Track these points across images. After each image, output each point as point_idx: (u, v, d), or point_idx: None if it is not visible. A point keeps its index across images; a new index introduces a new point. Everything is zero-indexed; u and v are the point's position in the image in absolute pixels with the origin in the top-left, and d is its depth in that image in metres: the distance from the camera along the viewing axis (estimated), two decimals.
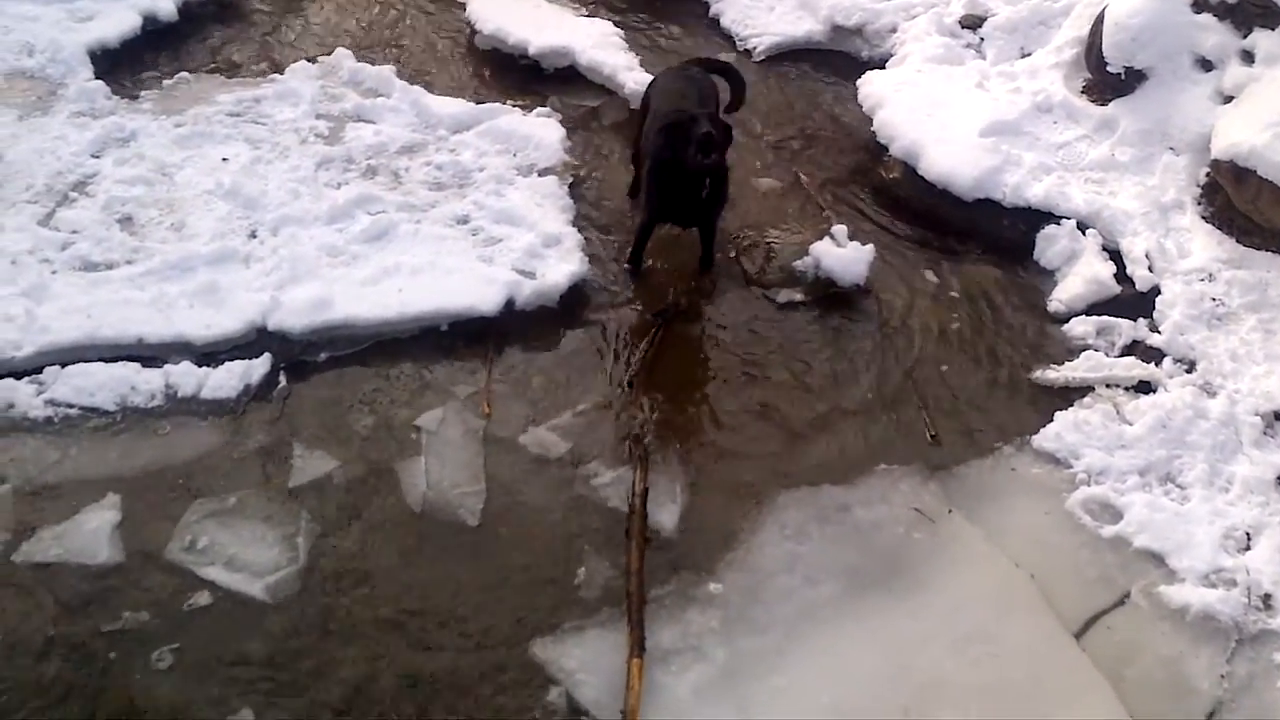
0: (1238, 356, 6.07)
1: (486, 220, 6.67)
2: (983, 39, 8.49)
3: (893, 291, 6.64)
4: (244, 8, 8.88)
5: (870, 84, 8.06)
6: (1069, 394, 5.98)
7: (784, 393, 5.93)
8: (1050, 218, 6.96)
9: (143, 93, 7.66)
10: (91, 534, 4.88)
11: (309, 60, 8.08)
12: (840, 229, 6.78)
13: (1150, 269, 6.61)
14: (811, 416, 5.80)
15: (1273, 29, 7.20)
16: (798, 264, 6.67)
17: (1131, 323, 6.33)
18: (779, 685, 4.54)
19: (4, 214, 6.35)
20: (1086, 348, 6.23)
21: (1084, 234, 6.83)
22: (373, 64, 8.08)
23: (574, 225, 6.74)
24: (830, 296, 6.53)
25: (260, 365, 5.68)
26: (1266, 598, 4.98)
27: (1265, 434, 5.70)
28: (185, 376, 5.59)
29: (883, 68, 8.46)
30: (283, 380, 5.69)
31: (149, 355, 5.70)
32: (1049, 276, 6.78)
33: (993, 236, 7.05)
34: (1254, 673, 4.72)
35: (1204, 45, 7.40)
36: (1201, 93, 7.34)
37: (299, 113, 7.46)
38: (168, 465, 5.22)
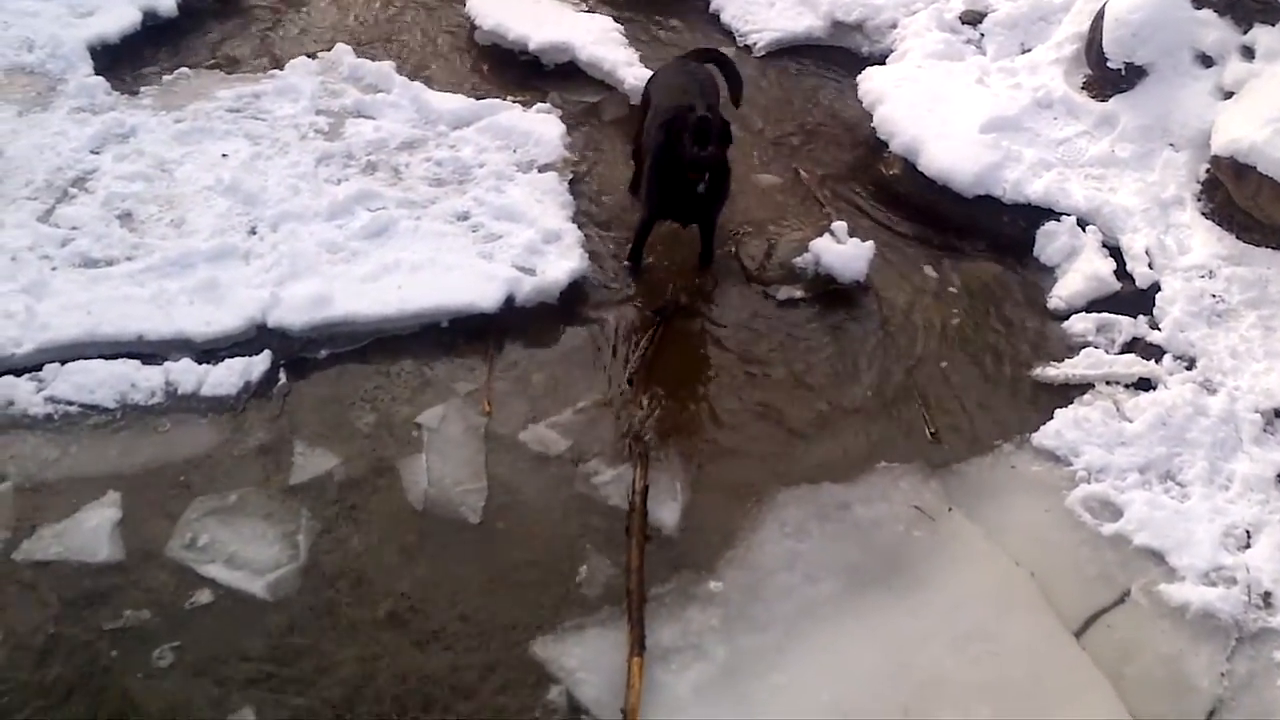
0: (1238, 353, 6.06)
1: (486, 216, 6.66)
2: (983, 35, 8.49)
3: (893, 288, 6.64)
4: (244, 3, 8.87)
5: (870, 80, 8.06)
6: (1069, 391, 5.98)
7: (784, 390, 5.93)
8: (1050, 214, 6.95)
9: (143, 88, 7.65)
10: (92, 532, 4.88)
11: (309, 56, 8.06)
12: (840, 225, 6.78)
13: (1150, 266, 6.61)
14: (811, 414, 5.80)
15: (1273, 25, 7.18)
16: (797, 261, 6.67)
17: (1131, 320, 6.33)
18: (779, 683, 4.54)
19: (4, 210, 6.34)
20: (1086, 345, 6.23)
21: (1084, 230, 6.83)
22: (373, 59, 8.06)
23: (574, 221, 6.73)
24: (830, 293, 6.52)
25: (260, 362, 5.68)
26: (1266, 596, 4.98)
27: (1265, 431, 5.69)
28: (185, 374, 5.58)
29: (883, 63, 8.46)
30: (283, 377, 5.68)
31: (149, 352, 5.69)
32: (1049, 273, 6.78)
33: (993, 233, 7.05)
34: (1254, 671, 4.72)
35: (1204, 41, 7.39)
36: (1202, 88, 7.33)
37: (299, 108, 7.45)
38: (168, 463, 5.22)
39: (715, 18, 9.24)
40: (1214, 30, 7.38)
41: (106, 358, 5.62)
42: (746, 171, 7.34)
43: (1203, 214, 6.87)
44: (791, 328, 6.32)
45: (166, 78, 7.79)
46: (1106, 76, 7.61)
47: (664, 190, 6.17)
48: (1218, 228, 6.76)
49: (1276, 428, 5.73)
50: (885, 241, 6.93)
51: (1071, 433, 5.65)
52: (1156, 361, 6.08)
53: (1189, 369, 6.02)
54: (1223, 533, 5.20)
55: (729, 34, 9.07)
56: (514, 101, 7.80)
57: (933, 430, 5.73)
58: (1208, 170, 6.98)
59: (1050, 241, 6.85)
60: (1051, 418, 5.76)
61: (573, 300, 6.29)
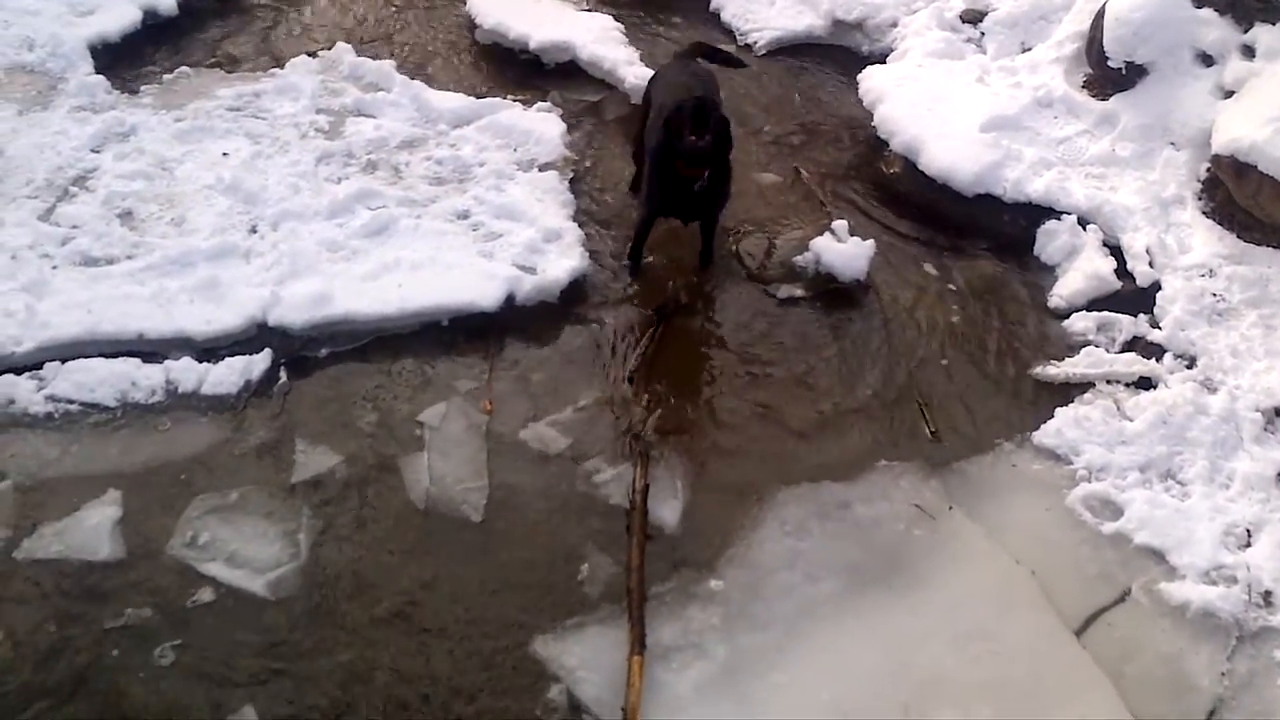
0: (1238, 352, 6.06)
1: (487, 215, 6.66)
2: (983, 33, 8.49)
3: (893, 287, 6.64)
4: (244, 2, 8.87)
5: (871, 79, 8.06)
6: (1069, 390, 5.98)
7: (784, 389, 5.93)
8: (1051, 213, 6.95)
9: (143, 87, 7.64)
10: (93, 530, 4.88)
11: (309, 55, 8.06)
12: (841, 224, 6.78)
13: (1151, 264, 6.61)
14: (812, 413, 5.80)
15: (1273, 24, 7.18)
16: (798, 259, 6.67)
17: (1132, 318, 6.33)
18: (780, 682, 4.54)
19: (4, 209, 6.34)
20: (1087, 343, 6.23)
21: (1084, 229, 6.83)
22: (373, 58, 8.06)
23: (574, 220, 6.73)
24: (830, 292, 6.52)
25: (261, 361, 5.67)
26: (1267, 595, 4.98)
27: (1266, 430, 5.69)
28: (186, 372, 5.58)
29: (883, 62, 8.47)
30: (283, 376, 5.68)
31: (149, 351, 5.69)
32: (1049, 272, 6.78)
33: (993, 232, 7.05)
34: (1255, 670, 4.72)
35: (1205, 40, 7.39)
36: (1202, 88, 7.33)
37: (299, 107, 7.44)
38: (168, 461, 5.22)
39: (716, 16, 9.24)
40: (1214, 29, 7.38)
41: (107, 356, 5.62)
42: (747, 170, 7.33)
43: (1203, 213, 6.87)
44: (792, 326, 6.32)
45: (167, 76, 7.79)
46: (1107, 75, 7.61)
47: (664, 186, 6.16)
48: (1218, 227, 6.76)
49: (1277, 426, 5.73)
50: (886, 240, 6.93)
51: (1072, 431, 5.65)
52: (1157, 360, 6.08)
53: (1189, 368, 6.03)
54: (1223, 531, 5.20)
55: (729, 33, 9.07)
56: (514, 100, 7.80)
57: (933, 429, 5.73)
58: (1208, 169, 6.98)
59: (1051, 240, 6.85)
60: (1052, 416, 5.75)
61: (573, 299, 6.29)
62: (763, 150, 7.76)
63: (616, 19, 8.78)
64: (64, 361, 5.56)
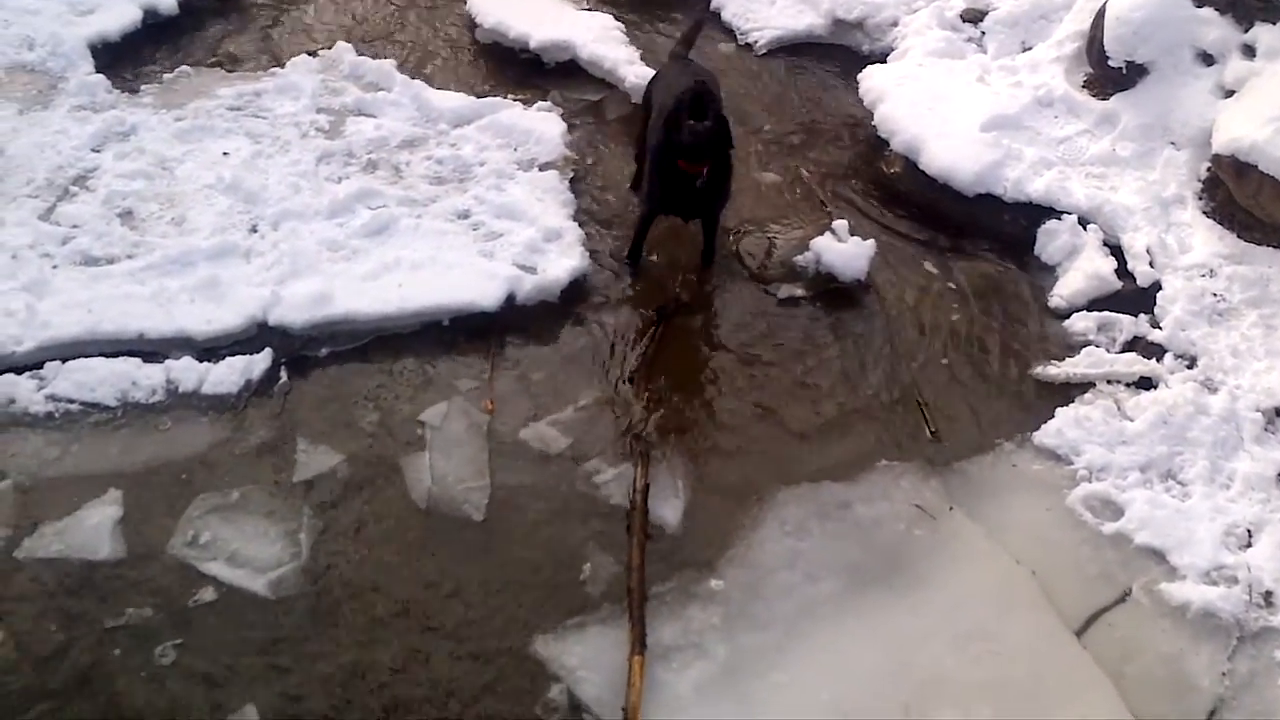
0: (1239, 352, 6.06)
1: (487, 215, 6.66)
2: (984, 33, 8.48)
3: (894, 287, 6.64)
4: (244, 1, 8.84)
5: (871, 78, 8.05)
6: (1070, 390, 5.98)
7: (784, 389, 5.93)
8: (1051, 213, 6.95)
9: (143, 86, 7.64)
10: (93, 529, 4.88)
11: (309, 54, 8.04)
12: (841, 224, 6.78)
13: (1151, 264, 6.61)
14: (812, 413, 5.80)
15: (1274, 23, 7.17)
16: (798, 259, 6.67)
17: (1133, 318, 6.33)
18: (780, 682, 4.54)
19: (4, 208, 6.33)
20: (1087, 343, 6.22)
21: (1085, 229, 6.82)
22: (373, 58, 8.05)
23: (575, 220, 6.73)
24: (831, 292, 6.52)
25: (261, 360, 5.67)
26: (1268, 595, 4.98)
27: (1266, 430, 5.69)
28: (186, 372, 5.58)
29: (884, 62, 8.45)
30: (284, 375, 5.68)
31: (150, 350, 5.69)
32: (1050, 272, 6.78)
33: (994, 231, 7.05)
34: (1255, 670, 4.72)
35: (1205, 39, 7.39)
36: (1203, 87, 7.32)
37: (299, 107, 7.44)
38: (169, 461, 5.22)
39: (716, 15, 9.21)
40: (1215, 29, 7.38)
41: (107, 356, 5.61)
42: (747, 170, 7.35)
43: (1204, 213, 6.87)
44: (792, 326, 6.32)
45: (167, 76, 7.78)
46: (1107, 75, 7.61)
47: (665, 183, 6.14)
48: (1219, 226, 6.76)
49: (1277, 426, 5.73)
50: (886, 240, 6.93)
51: (1072, 431, 5.65)
52: (1157, 360, 6.08)
53: (1190, 368, 6.02)
54: (1224, 532, 5.20)
55: (730, 32, 9.06)
56: (515, 100, 7.79)
57: (933, 429, 5.73)
58: (1209, 169, 6.98)
59: (1051, 240, 6.84)
60: (1052, 416, 5.75)
61: (574, 298, 6.29)
62: (763, 150, 7.75)
63: (617, 18, 8.76)
64: (64, 361, 5.56)
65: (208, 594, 4.67)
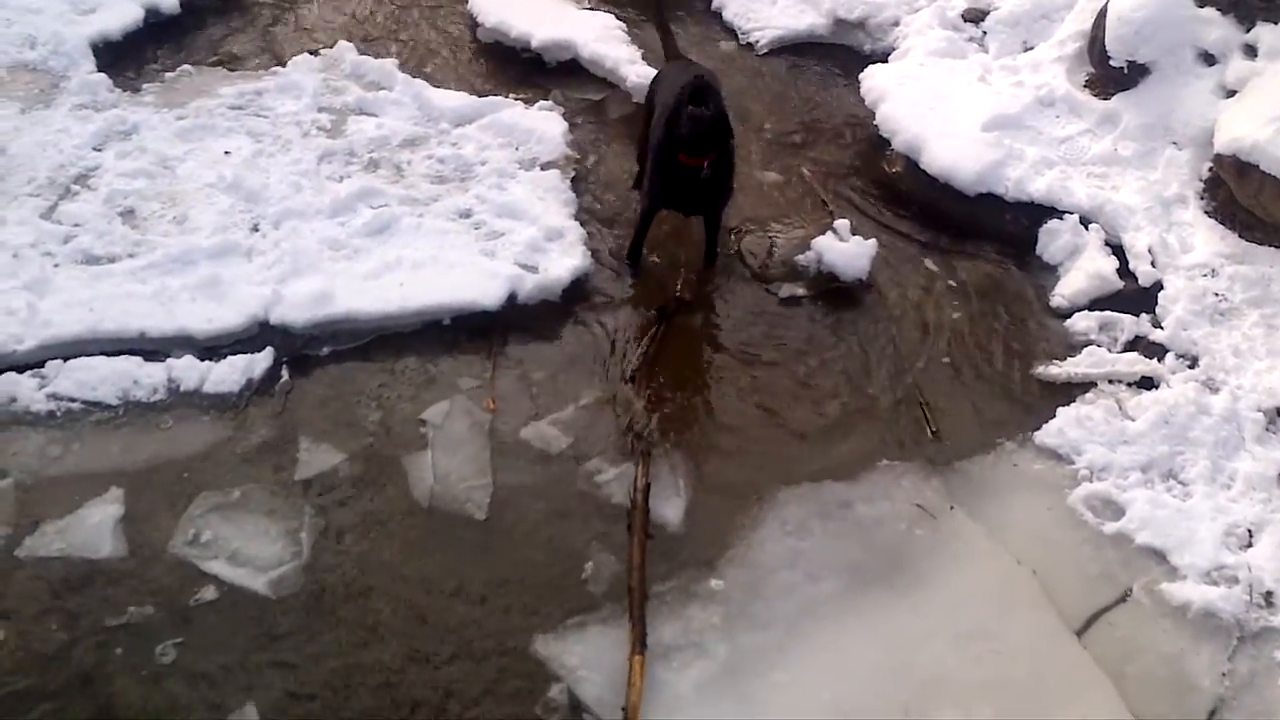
0: (1240, 352, 6.06)
1: (488, 214, 6.66)
2: (985, 32, 8.47)
3: (895, 286, 6.64)
4: (246, 0, 8.84)
5: (872, 78, 8.04)
6: (1071, 390, 5.97)
7: (785, 388, 5.93)
8: (1053, 212, 6.94)
9: (145, 85, 7.63)
10: (94, 528, 4.88)
11: (311, 53, 8.04)
12: (842, 223, 6.78)
13: (1153, 264, 6.60)
14: (813, 412, 5.80)
15: (1276, 23, 7.17)
16: (800, 258, 6.67)
17: (1134, 318, 6.32)
18: (780, 681, 4.54)
19: (6, 207, 6.33)
20: (1089, 343, 6.22)
21: (1086, 229, 6.82)
22: (375, 57, 8.05)
23: (576, 219, 6.73)
24: (832, 291, 6.52)
25: (262, 359, 5.67)
26: (1268, 595, 4.98)
27: (1267, 430, 5.69)
28: (187, 370, 5.58)
29: (885, 61, 8.44)
30: (285, 374, 5.68)
31: (151, 349, 5.69)
32: (1051, 271, 6.77)
33: (995, 231, 7.04)
34: (1256, 670, 4.72)
35: (1207, 39, 7.38)
36: (1204, 87, 7.32)
37: (301, 106, 7.43)
38: (170, 459, 5.22)
39: (717, 15, 9.22)
40: (1217, 28, 7.37)
41: (108, 354, 5.61)
42: (748, 169, 7.34)
43: (1205, 212, 6.87)
44: (793, 326, 6.32)
45: (169, 75, 7.78)
46: (1109, 75, 7.61)
47: (666, 177, 6.13)
48: (1220, 226, 6.76)
49: (1278, 427, 5.72)
50: (887, 239, 6.92)
51: (1073, 431, 5.65)
52: (1159, 360, 6.08)
53: (1191, 368, 6.02)
54: (1225, 532, 5.20)
55: (731, 31, 9.05)
56: (516, 99, 7.78)
57: (934, 428, 5.73)
58: (1210, 169, 6.98)
59: (1052, 240, 6.84)
60: (1054, 416, 5.75)
61: (575, 298, 6.29)
62: (764, 149, 7.75)
63: (618, 18, 8.76)
64: (66, 360, 5.56)
65: (209, 593, 4.67)
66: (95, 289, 5.86)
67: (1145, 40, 7.41)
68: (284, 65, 7.92)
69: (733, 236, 6.83)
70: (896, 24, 8.79)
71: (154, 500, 5.02)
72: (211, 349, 5.74)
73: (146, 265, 6.04)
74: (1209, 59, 7.37)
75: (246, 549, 4.86)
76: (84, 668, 4.38)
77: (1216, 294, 6.37)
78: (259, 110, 7.40)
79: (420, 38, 8.67)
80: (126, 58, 8.00)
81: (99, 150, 6.86)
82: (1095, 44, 7.73)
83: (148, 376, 5.53)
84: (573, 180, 7.09)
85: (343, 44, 8.12)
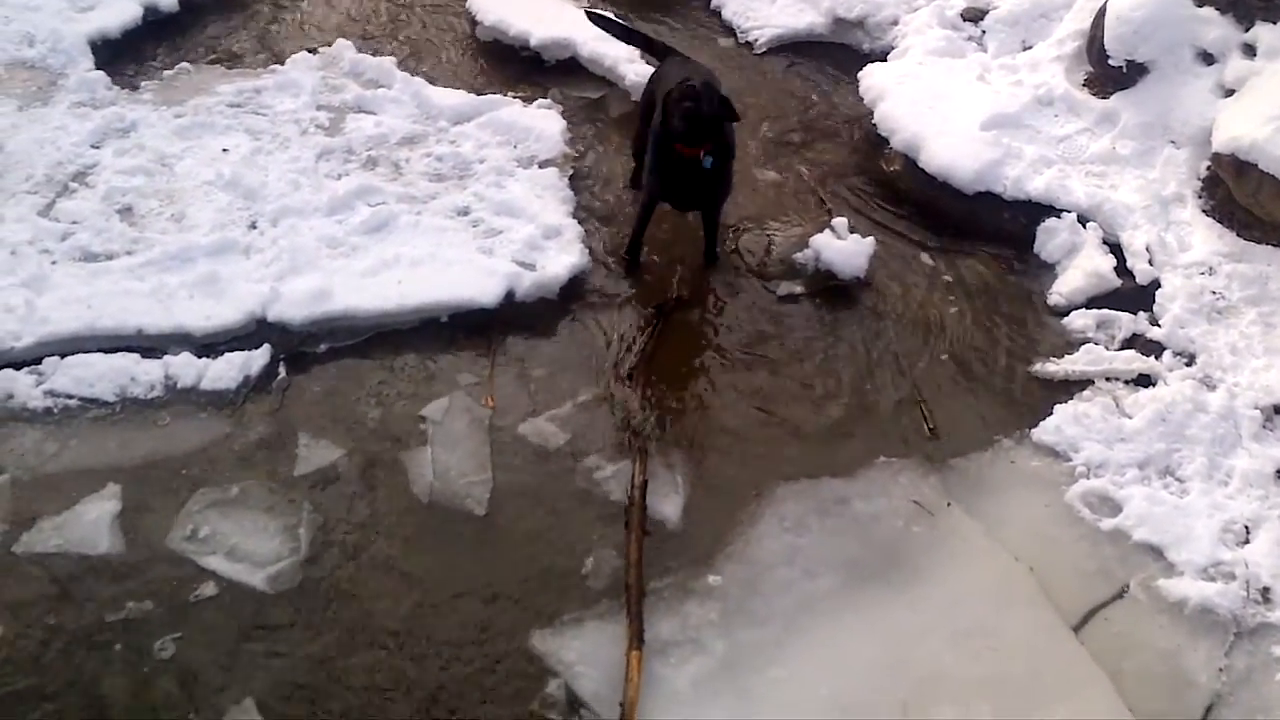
0: (1237, 350, 6.06)
1: (487, 212, 6.67)
2: (984, 31, 8.48)
3: (893, 284, 6.64)
4: None
5: (871, 76, 8.05)
6: (1069, 387, 5.97)
7: (783, 385, 5.93)
8: (1051, 211, 6.95)
9: (143, 83, 7.65)
10: (92, 524, 4.88)
11: (310, 51, 8.05)
12: (840, 221, 6.79)
13: (1151, 262, 6.60)
14: (811, 409, 5.80)
15: (1275, 22, 7.18)
16: (798, 256, 6.67)
17: (1131, 316, 6.33)
18: (778, 677, 4.54)
19: (4, 204, 6.34)
20: (1086, 341, 6.23)
21: (1084, 227, 6.82)
22: (374, 55, 8.07)
23: (574, 217, 6.74)
24: (830, 289, 6.52)
25: (260, 356, 5.67)
26: (1265, 591, 4.98)
27: (1264, 427, 5.69)
28: (185, 367, 5.58)
29: (884, 60, 8.45)
30: (282, 371, 5.68)
31: (149, 346, 5.69)
32: (1049, 270, 6.78)
33: (993, 229, 7.04)
34: (1252, 666, 4.72)
35: (1206, 38, 7.39)
36: (1203, 86, 7.33)
37: (299, 104, 7.44)
38: (168, 456, 5.22)
39: (716, 14, 9.23)
40: (1215, 28, 7.38)
41: (106, 351, 5.61)
42: (747, 167, 7.34)
43: (1203, 211, 6.87)
44: (791, 323, 6.32)
45: (167, 73, 7.79)
46: (1108, 74, 7.62)
47: (665, 169, 6.15)
48: (1218, 225, 6.76)
49: (1275, 424, 5.73)
50: (885, 238, 6.93)
51: (1071, 428, 5.65)
52: (1156, 358, 6.08)
53: (1189, 365, 6.02)
54: (1222, 528, 5.20)
55: (730, 30, 9.06)
56: (515, 97, 7.80)
57: (932, 426, 5.73)
58: (1208, 167, 6.98)
59: (1051, 238, 6.84)
60: (1051, 413, 5.75)
61: (573, 295, 6.29)
62: (763, 147, 7.75)
63: (617, 16, 8.73)
64: (63, 357, 5.56)
65: (207, 588, 4.67)
66: (93, 286, 5.87)
67: (1144, 39, 7.42)
68: (283, 63, 7.94)
69: (731, 234, 6.83)
70: (895, 23, 8.80)
71: (151, 496, 5.02)
72: (209, 346, 5.74)
73: (144, 262, 6.05)
74: (1208, 58, 7.38)
75: (245, 545, 4.86)
76: (82, 663, 4.37)
77: (1214, 292, 6.38)
78: (257, 108, 7.42)
79: (419, 36, 8.68)
80: (125, 55, 8.02)
81: (97, 148, 6.87)
82: (1094, 43, 7.73)
83: (145, 373, 5.54)
84: (571, 178, 7.09)
85: (341, 42, 8.13)
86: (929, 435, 5.68)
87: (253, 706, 4.30)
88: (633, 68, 8.04)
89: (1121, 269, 6.62)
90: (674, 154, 5.99)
